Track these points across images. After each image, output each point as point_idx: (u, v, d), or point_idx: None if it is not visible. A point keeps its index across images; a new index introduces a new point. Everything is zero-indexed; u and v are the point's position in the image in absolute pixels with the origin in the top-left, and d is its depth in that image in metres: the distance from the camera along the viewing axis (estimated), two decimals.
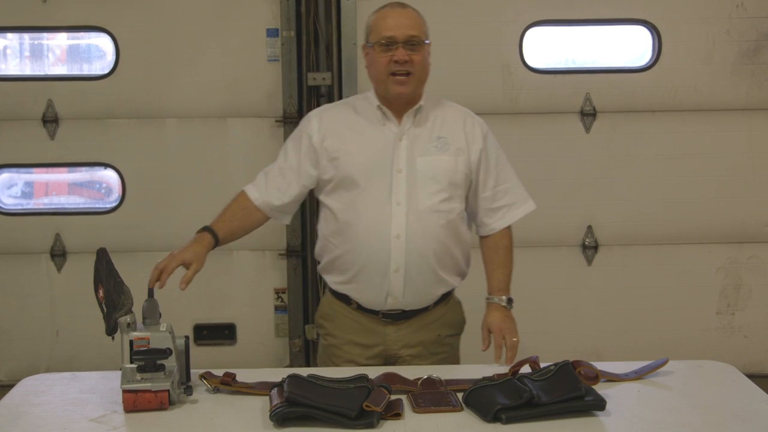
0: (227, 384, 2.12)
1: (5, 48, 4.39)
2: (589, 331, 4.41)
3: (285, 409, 1.90)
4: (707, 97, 4.30)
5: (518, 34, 4.27)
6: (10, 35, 4.36)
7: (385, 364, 2.49)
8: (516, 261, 4.33)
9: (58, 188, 4.55)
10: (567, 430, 1.90)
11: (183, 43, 4.24)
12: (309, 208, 4.17)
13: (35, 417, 2.01)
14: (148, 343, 2.03)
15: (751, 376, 2.27)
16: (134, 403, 1.99)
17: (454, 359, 2.59)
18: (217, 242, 2.37)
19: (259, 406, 2.03)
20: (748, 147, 4.34)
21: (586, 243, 4.38)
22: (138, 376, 1.99)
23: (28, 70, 4.37)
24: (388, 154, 2.42)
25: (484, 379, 2.11)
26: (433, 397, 2.05)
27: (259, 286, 4.33)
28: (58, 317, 4.38)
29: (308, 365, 4.32)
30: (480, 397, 1.99)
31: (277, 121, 4.25)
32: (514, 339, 2.44)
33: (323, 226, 2.53)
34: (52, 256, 4.34)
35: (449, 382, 2.13)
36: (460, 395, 2.05)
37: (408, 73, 2.38)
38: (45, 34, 4.36)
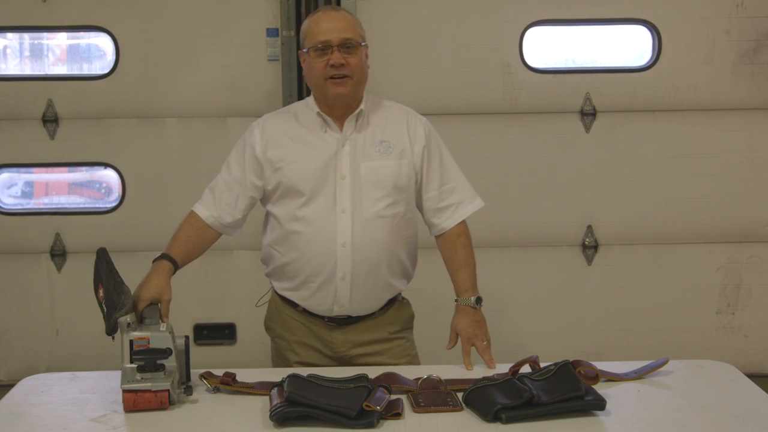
0: (227, 384, 2.12)
1: (5, 48, 4.39)
2: (589, 331, 4.41)
3: (285, 409, 1.91)
4: (707, 97, 4.30)
5: (518, 33, 4.27)
6: (10, 35, 4.36)
7: (339, 365, 2.49)
8: (516, 261, 4.39)
9: (58, 188, 4.55)
10: (567, 430, 1.90)
11: (183, 43, 4.24)
12: None
13: (35, 417, 2.01)
14: (148, 343, 2.03)
15: (751, 376, 2.28)
16: (134, 402, 1.99)
17: (408, 351, 2.58)
18: (176, 268, 2.30)
19: (259, 405, 2.03)
20: (748, 147, 4.34)
21: (586, 243, 4.38)
22: (138, 376, 1.99)
23: (28, 70, 4.37)
24: (331, 161, 2.40)
25: (484, 378, 2.11)
26: (433, 396, 2.05)
27: (259, 286, 4.30)
28: (58, 317, 4.38)
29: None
30: (480, 397, 1.99)
31: None
32: (484, 343, 2.42)
33: (268, 235, 2.51)
34: (52, 255, 4.34)
35: (449, 381, 2.13)
36: (460, 395, 2.05)
37: (345, 76, 2.35)
38: (45, 34, 4.36)
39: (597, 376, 2.10)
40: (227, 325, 4.39)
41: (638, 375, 2.22)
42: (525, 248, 4.40)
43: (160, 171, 4.29)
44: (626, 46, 4.42)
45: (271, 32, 4.23)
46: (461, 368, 2.32)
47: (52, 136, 4.27)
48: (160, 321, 2.14)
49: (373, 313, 2.51)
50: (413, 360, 2.60)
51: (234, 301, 4.36)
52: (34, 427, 1.96)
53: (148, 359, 1.99)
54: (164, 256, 2.30)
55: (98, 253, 2.15)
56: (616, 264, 4.40)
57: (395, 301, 2.57)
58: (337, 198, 2.39)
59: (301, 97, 4.22)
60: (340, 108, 2.42)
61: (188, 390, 2.09)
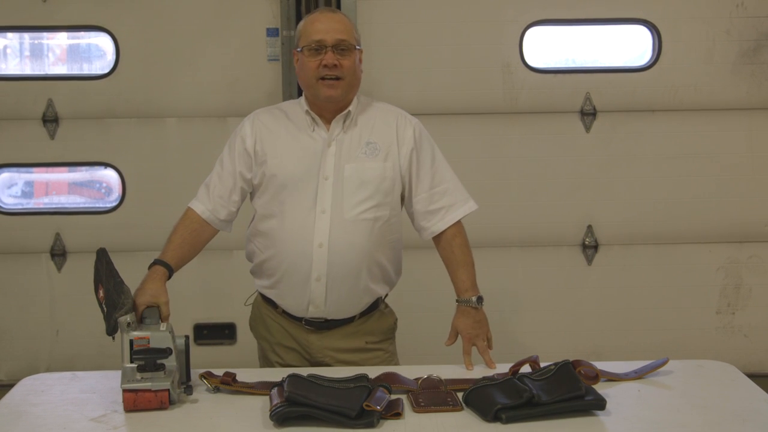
0: (227, 384, 2.12)
1: (5, 47, 4.39)
2: (589, 331, 4.41)
3: (285, 409, 1.90)
4: (707, 97, 4.30)
5: (518, 33, 4.27)
6: (10, 35, 4.36)
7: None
8: (516, 261, 4.39)
9: (58, 188, 4.55)
10: (567, 430, 1.90)
11: (183, 43, 4.25)
12: None
13: (35, 417, 2.01)
14: (148, 343, 2.03)
15: (751, 376, 2.27)
16: (134, 402, 1.99)
17: (386, 363, 2.52)
18: (171, 272, 2.30)
19: (259, 405, 2.03)
20: (748, 147, 4.35)
21: (586, 243, 4.39)
22: (138, 376, 1.99)
23: (28, 70, 4.37)
24: (316, 160, 2.39)
25: (484, 378, 2.11)
26: (433, 396, 2.05)
27: None
28: (58, 317, 4.38)
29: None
30: (480, 397, 1.99)
31: None
32: (484, 343, 2.41)
33: (250, 230, 2.51)
34: (52, 255, 4.34)
35: (449, 381, 2.13)
36: (460, 395, 2.05)
37: (337, 78, 2.35)
38: (45, 34, 4.36)
39: (597, 376, 2.09)
40: (227, 325, 4.39)
41: (638, 375, 2.22)
42: (525, 248, 4.40)
43: (160, 171, 4.29)
44: (626, 46, 4.42)
45: (271, 32, 4.24)
46: (461, 368, 2.32)
47: (52, 135, 4.27)
48: (160, 321, 2.14)
49: (352, 320, 2.49)
50: None
51: (234, 301, 4.32)
52: (34, 427, 1.96)
53: (148, 359, 1.99)
54: (158, 262, 2.29)
55: (98, 253, 2.15)
56: (616, 264, 4.40)
57: (376, 310, 2.54)
58: (318, 198, 2.38)
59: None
60: (330, 109, 2.42)
61: (188, 390, 2.09)
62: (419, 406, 2.01)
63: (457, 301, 2.48)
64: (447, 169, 2.50)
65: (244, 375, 2.17)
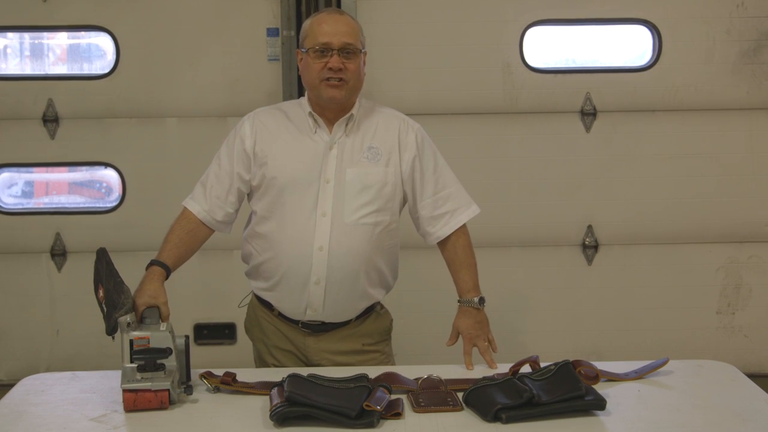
0: (227, 383, 2.12)
1: (5, 47, 4.39)
2: (589, 331, 4.41)
3: (285, 409, 1.91)
4: (707, 97, 4.30)
5: (518, 33, 4.27)
6: (10, 35, 4.36)
7: None
8: (516, 261, 4.39)
9: (59, 187, 4.55)
10: (567, 430, 1.90)
11: (183, 43, 4.24)
12: None
13: (35, 416, 2.02)
14: (148, 343, 2.03)
15: (751, 376, 2.28)
16: (134, 402, 1.99)
17: (384, 364, 2.52)
18: (168, 273, 2.29)
19: (259, 405, 2.03)
20: (748, 147, 4.35)
21: (586, 243, 4.39)
22: (138, 376, 1.99)
23: (28, 70, 4.37)
24: (317, 163, 2.38)
25: (484, 378, 2.11)
26: (433, 396, 2.05)
27: None
28: (58, 317, 4.38)
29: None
30: (480, 397, 1.99)
31: None
32: (485, 343, 2.41)
33: (248, 231, 2.49)
34: (53, 255, 4.34)
35: (449, 381, 2.13)
36: (460, 395, 2.05)
37: (341, 80, 2.34)
38: (45, 34, 4.36)
39: (597, 376, 2.09)
40: (227, 325, 4.39)
41: (638, 375, 2.22)
42: (525, 248, 4.40)
43: (160, 171, 4.29)
44: (626, 46, 4.42)
45: (272, 32, 4.23)
46: (461, 368, 2.32)
47: (52, 135, 4.27)
48: (160, 321, 2.14)
49: (348, 322, 2.48)
50: None
51: (234, 301, 4.30)
52: (34, 426, 1.96)
53: (148, 359, 1.99)
54: (156, 263, 2.29)
55: (98, 253, 2.15)
56: (616, 264, 4.40)
57: (372, 311, 2.54)
58: (319, 201, 2.37)
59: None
60: (332, 111, 2.41)
61: (188, 390, 2.09)
62: (419, 406, 2.01)
63: (458, 301, 2.48)
64: (449, 174, 2.50)
65: (244, 375, 2.17)
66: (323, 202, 2.37)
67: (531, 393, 1.94)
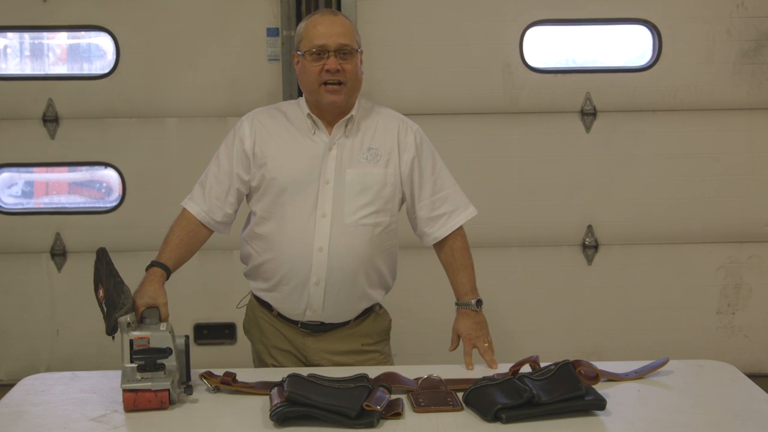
0: (227, 383, 2.12)
1: (5, 47, 4.39)
2: (589, 331, 4.41)
3: (285, 409, 1.90)
4: (707, 97, 4.30)
5: (518, 33, 4.27)
6: (10, 35, 4.36)
7: None
8: (516, 261, 4.39)
9: (59, 187, 4.55)
10: (567, 430, 1.90)
11: (183, 43, 4.25)
12: None
13: (35, 416, 2.01)
14: (148, 343, 2.03)
15: (751, 376, 2.28)
16: (134, 402, 1.99)
17: (383, 364, 2.52)
18: (168, 274, 2.29)
19: (259, 405, 2.03)
20: (748, 147, 4.35)
21: (587, 243, 4.39)
22: (138, 376, 1.99)
23: (28, 70, 4.37)
24: (317, 164, 2.37)
25: (484, 378, 2.11)
26: (433, 396, 2.05)
27: None
28: (58, 317, 4.38)
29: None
30: (480, 397, 1.99)
31: None
32: (485, 344, 2.40)
33: (247, 232, 2.49)
34: (53, 255, 4.34)
35: (449, 381, 2.13)
36: (460, 395, 2.05)
37: (340, 83, 2.33)
38: (45, 34, 4.36)
39: (597, 376, 2.09)
40: (227, 325, 4.39)
41: (638, 375, 2.22)
42: (525, 248, 4.40)
43: (160, 171, 4.29)
44: (626, 46, 4.42)
45: (272, 32, 4.23)
46: (461, 368, 2.32)
47: (52, 135, 4.27)
48: (160, 321, 2.14)
49: (348, 322, 2.48)
50: None
51: (234, 301, 4.32)
52: (34, 426, 1.96)
53: (148, 359, 1.99)
54: (156, 264, 2.29)
55: (98, 253, 2.15)
56: (616, 264, 4.40)
57: (371, 312, 2.54)
58: (319, 202, 2.36)
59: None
60: (332, 113, 2.41)
61: (188, 389, 2.09)
62: (419, 406, 2.01)
63: (456, 304, 2.48)
64: (447, 175, 2.50)
65: (244, 375, 2.17)
66: (323, 202, 2.37)
67: (531, 393, 1.94)
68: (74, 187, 4.53)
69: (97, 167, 4.41)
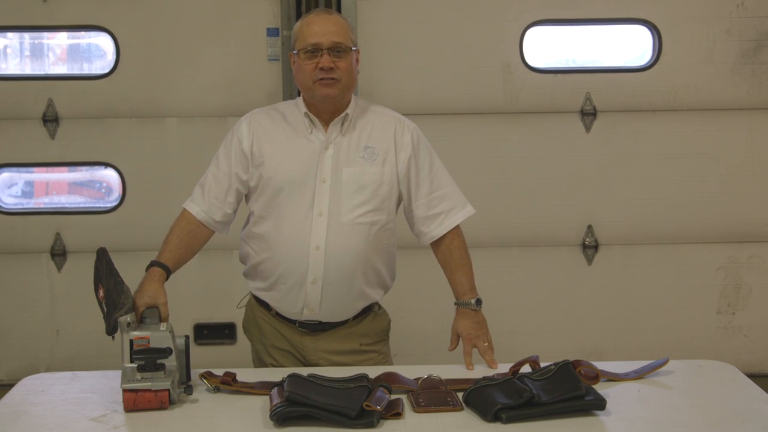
0: (227, 383, 2.12)
1: (5, 47, 4.39)
2: (589, 331, 4.41)
3: (285, 409, 1.90)
4: (707, 97, 4.30)
5: (518, 33, 4.27)
6: (10, 34, 4.36)
7: None
8: (516, 261, 4.39)
9: (59, 187, 4.55)
10: (567, 430, 1.90)
11: (183, 43, 4.25)
12: None
13: (35, 416, 2.01)
14: (148, 343, 2.03)
15: (751, 376, 2.28)
16: (134, 402, 1.99)
17: (381, 364, 2.51)
18: (168, 274, 2.29)
19: (259, 405, 2.03)
20: (748, 147, 4.35)
21: (587, 243, 4.39)
22: (138, 376, 1.99)
23: (28, 70, 4.37)
24: (313, 162, 2.38)
25: (484, 378, 2.11)
26: (433, 396, 2.05)
27: None
28: (58, 317, 4.38)
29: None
30: (480, 397, 1.99)
31: None
32: (485, 344, 2.40)
33: (245, 232, 2.50)
34: (53, 255, 4.34)
35: (449, 381, 2.13)
36: (460, 395, 2.05)
37: (333, 79, 2.34)
38: (45, 34, 4.36)
39: (597, 376, 2.09)
40: (227, 325, 4.39)
41: (638, 375, 2.22)
42: (525, 248, 4.40)
43: (160, 171, 4.29)
44: (626, 46, 4.42)
45: (272, 32, 4.24)
46: (461, 368, 2.32)
47: (52, 135, 4.27)
48: (160, 321, 2.14)
49: (346, 322, 2.48)
50: None
51: (234, 301, 4.31)
52: (34, 426, 1.96)
53: (148, 359, 1.99)
54: (156, 264, 2.29)
55: (98, 253, 2.15)
56: (616, 264, 4.40)
57: (370, 311, 2.54)
58: (316, 200, 2.37)
59: None
60: (328, 111, 2.41)
61: (188, 389, 2.09)
62: (419, 406, 2.01)
63: (455, 303, 2.48)
64: (445, 174, 2.50)
65: (244, 375, 2.17)
66: (320, 201, 2.37)
67: (531, 393, 1.94)
68: (74, 187, 4.53)
69: (97, 167, 4.41)
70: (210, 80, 4.26)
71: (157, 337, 2.04)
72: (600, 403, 1.97)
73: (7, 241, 4.34)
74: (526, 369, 2.15)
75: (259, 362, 2.59)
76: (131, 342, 2.03)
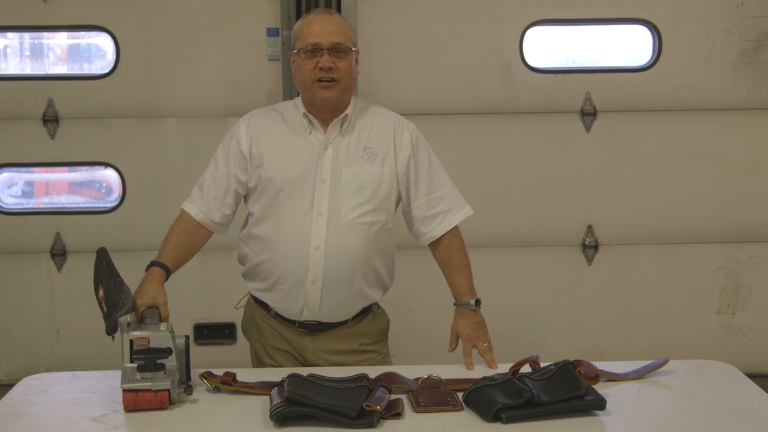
0: (227, 383, 2.12)
1: (5, 47, 4.39)
2: (589, 331, 4.41)
3: (285, 409, 1.90)
4: (707, 97, 4.30)
5: (518, 33, 4.27)
6: (10, 34, 4.36)
7: None
8: (516, 261, 4.40)
9: (59, 187, 4.55)
10: (567, 430, 1.90)
11: (183, 43, 4.25)
12: None
13: (35, 416, 2.01)
14: (148, 343, 2.03)
15: (751, 376, 2.28)
16: (134, 402, 1.99)
17: (381, 364, 2.51)
18: (168, 274, 2.28)
19: (259, 405, 2.03)
20: (748, 147, 4.35)
21: (587, 243, 4.39)
22: (138, 376, 1.99)
23: (28, 70, 4.37)
24: (313, 163, 2.38)
25: (484, 378, 2.11)
26: (433, 396, 2.05)
27: None
28: (58, 317, 4.38)
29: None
30: (480, 397, 1.99)
31: None
32: (485, 344, 2.40)
33: (245, 233, 2.49)
34: (53, 255, 4.34)
35: (449, 381, 2.13)
36: (460, 395, 2.05)
37: (333, 80, 2.34)
38: (45, 34, 4.36)
39: (597, 376, 2.09)
40: (227, 325, 4.39)
41: (638, 375, 2.22)
42: (525, 248, 4.40)
43: (160, 171, 4.29)
44: (626, 46, 4.42)
45: (272, 32, 4.24)
46: (461, 368, 2.32)
47: (52, 135, 4.27)
48: (160, 321, 2.14)
49: (345, 322, 2.48)
50: None
51: (234, 301, 4.31)
52: (34, 426, 1.96)
53: (148, 359, 1.99)
54: (155, 264, 2.29)
55: (98, 253, 2.15)
56: (616, 264, 4.40)
57: (369, 311, 2.54)
58: (315, 201, 2.37)
59: None
60: (327, 111, 2.41)
61: (188, 389, 2.09)
62: (419, 406, 2.01)
63: (454, 304, 2.48)
64: (443, 174, 2.50)
65: (244, 375, 2.17)
66: (319, 202, 2.37)
67: (531, 393, 1.94)
68: (74, 187, 4.53)
69: (97, 167, 4.41)
70: (210, 80, 4.26)
71: (157, 337, 2.04)
72: (600, 403, 1.97)
73: (7, 241, 4.34)
74: (526, 369, 2.15)
75: (258, 362, 2.59)
76: (131, 342, 2.03)
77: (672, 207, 4.36)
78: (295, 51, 2.40)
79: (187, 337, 2.12)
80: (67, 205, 4.46)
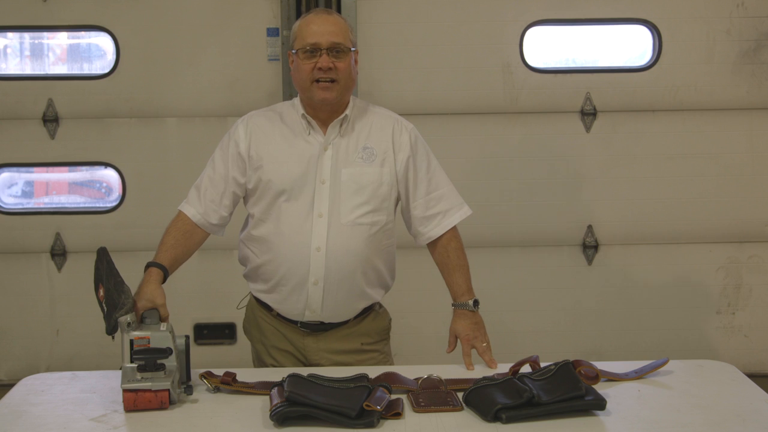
0: (227, 383, 2.12)
1: (6, 47, 4.39)
2: (589, 331, 4.41)
3: (285, 409, 1.90)
4: (707, 97, 4.31)
5: (518, 33, 4.27)
6: (10, 34, 4.36)
7: None
8: (516, 261, 4.40)
9: (59, 187, 4.55)
10: (567, 430, 1.90)
11: (183, 43, 4.25)
12: None
13: (35, 416, 2.01)
14: (148, 343, 2.03)
15: (751, 376, 2.28)
16: (134, 402, 1.99)
17: (382, 363, 2.52)
18: (166, 274, 2.28)
19: (259, 405, 2.03)
20: (748, 147, 4.35)
21: (587, 242, 4.39)
22: (138, 376, 1.99)
23: (28, 70, 4.37)
24: (312, 164, 2.38)
25: (484, 378, 2.11)
26: (433, 396, 2.05)
27: None
28: (58, 317, 4.38)
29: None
30: (480, 397, 1.99)
31: None
32: (484, 344, 2.40)
33: (245, 234, 2.49)
34: (53, 255, 4.34)
35: (449, 381, 2.13)
36: (460, 395, 2.05)
37: (332, 80, 2.34)
38: (45, 34, 4.37)
39: (597, 376, 2.09)
40: (227, 325, 4.39)
41: (638, 375, 2.22)
42: (525, 248, 4.40)
43: (160, 171, 4.29)
44: (626, 46, 4.42)
45: (272, 32, 4.24)
46: (461, 368, 2.32)
47: (52, 135, 4.27)
48: (160, 321, 2.14)
49: (347, 322, 2.49)
50: None
51: (234, 301, 4.31)
52: (34, 426, 1.96)
53: (148, 359, 1.99)
54: (153, 264, 2.28)
55: (98, 253, 2.14)
56: (616, 264, 4.40)
57: (371, 311, 2.54)
58: (315, 202, 2.37)
59: None
60: (325, 111, 2.41)
61: (188, 390, 2.09)
62: (419, 406, 2.01)
63: (453, 305, 2.48)
64: (442, 174, 2.50)
65: (245, 375, 2.17)
66: (319, 203, 2.37)
67: (531, 393, 1.94)
68: (74, 187, 4.53)
69: (97, 167, 4.41)
70: (210, 80, 4.26)
71: (157, 337, 2.04)
72: (600, 403, 1.97)
73: (7, 241, 4.34)
74: (526, 369, 2.15)
75: (260, 363, 2.59)
76: (131, 342, 2.03)
77: (672, 207, 4.36)
78: (293, 51, 2.40)
79: (187, 337, 2.12)
80: (67, 205, 4.46)
